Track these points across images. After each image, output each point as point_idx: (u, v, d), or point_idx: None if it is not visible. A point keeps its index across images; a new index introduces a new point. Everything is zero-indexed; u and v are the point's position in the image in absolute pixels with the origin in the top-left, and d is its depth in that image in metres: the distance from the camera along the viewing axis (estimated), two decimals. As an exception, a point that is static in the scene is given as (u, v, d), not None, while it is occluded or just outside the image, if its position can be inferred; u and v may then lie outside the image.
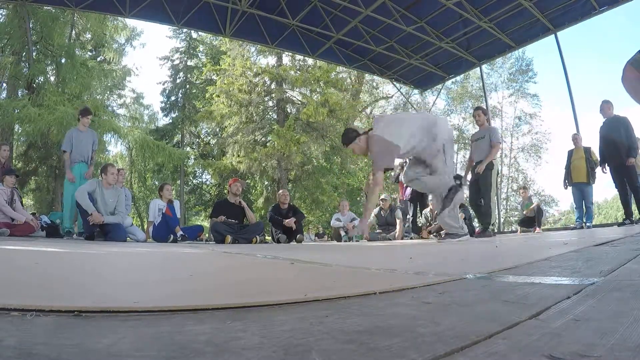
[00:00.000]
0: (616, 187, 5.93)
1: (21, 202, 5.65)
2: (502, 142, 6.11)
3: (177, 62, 22.27)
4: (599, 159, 6.19)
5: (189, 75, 21.96)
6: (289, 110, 17.45)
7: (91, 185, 4.94)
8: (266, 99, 17.23)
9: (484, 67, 12.40)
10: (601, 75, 78.60)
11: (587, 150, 6.77)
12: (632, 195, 5.70)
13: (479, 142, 5.33)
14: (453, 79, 16.14)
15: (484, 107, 6.41)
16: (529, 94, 22.84)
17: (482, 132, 5.37)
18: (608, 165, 5.96)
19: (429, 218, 7.23)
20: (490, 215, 5.13)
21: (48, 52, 13.16)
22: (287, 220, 5.99)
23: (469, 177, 5.43)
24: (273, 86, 16.93)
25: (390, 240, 6.66)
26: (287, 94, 17.13)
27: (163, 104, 22.08)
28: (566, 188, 7.05)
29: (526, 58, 22.49)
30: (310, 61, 16.11)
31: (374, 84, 23.40)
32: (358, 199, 19.49)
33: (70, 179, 5.55)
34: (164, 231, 5.64)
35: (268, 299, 0.71)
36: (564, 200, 32.35)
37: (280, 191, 6.72)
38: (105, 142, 14.54)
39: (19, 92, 12.89)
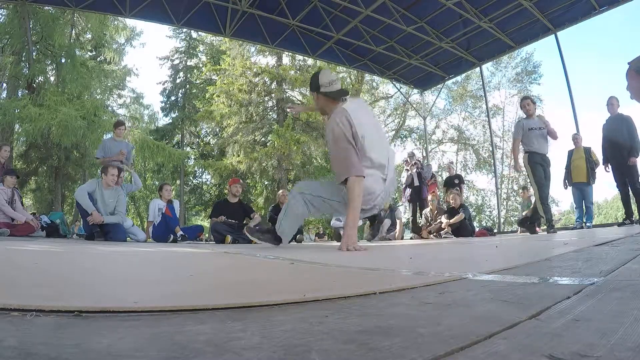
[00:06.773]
0: (617, 187, 5.91)
1: (21, 202, 5.66)
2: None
3: (177, 62, 22.28)
4: (601, 157, 6.14)
5: (189, 75, 21.97)
6: (288, 110, 17.43)
7: (91, 185, 4.94)
8: (266, 99, 17.24)
9: (488, 65, 12.36)
10: (601, 75, 78.72)
11: (587, 150, 6.76)
12: (634, 195, 5.67)
13: (538, 133, 5.17)
14: (454, 79, 16.13)
15: (532, 97, 6.39)
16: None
17: (538, 122, 5.24)
18: (610, 164, 5.92)
19: (429, 218, 7.24)
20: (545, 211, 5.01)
21: (48, 52, 13.16)
22: (286, 220, 5.98)
23: (521, 162, 5.32)
24: (273, 86, 16.93)
25: (390, 240, 6.65)
26: (287, 94, 17.12)
27: (163, 104, 22.12)
28: (566, 188, 7.05)
29: (534, 60, 22.09)
30: (310, 61, 16.11)
31: (374, 84, 23.41)
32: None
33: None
34: (163, 231, 5.65)
35: (268, 299, 0.71)
36: (564, 200, 32.35)
37: (280, 191, 6.73)
38: (105, 142, 14.54)
39: (19, 92, 12.90)
